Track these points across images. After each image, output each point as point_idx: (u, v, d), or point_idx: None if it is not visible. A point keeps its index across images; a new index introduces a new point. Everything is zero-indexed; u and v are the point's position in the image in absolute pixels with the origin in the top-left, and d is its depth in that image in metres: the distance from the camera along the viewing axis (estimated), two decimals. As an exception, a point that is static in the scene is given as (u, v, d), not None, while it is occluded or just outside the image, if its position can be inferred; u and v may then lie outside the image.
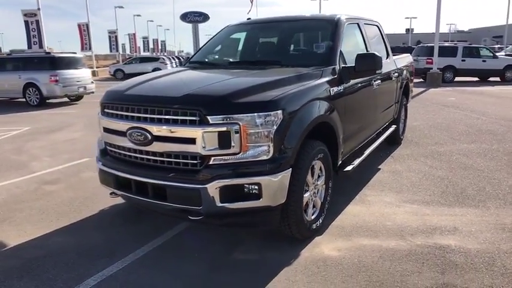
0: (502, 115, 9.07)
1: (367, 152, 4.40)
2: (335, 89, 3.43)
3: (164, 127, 2.73)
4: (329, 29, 3.93)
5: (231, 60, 4.07)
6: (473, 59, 18.39)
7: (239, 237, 3.31)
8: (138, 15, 61.91)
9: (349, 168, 3.81)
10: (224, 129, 2.59)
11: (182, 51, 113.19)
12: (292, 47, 4.27)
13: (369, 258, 2.94)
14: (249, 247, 3.17)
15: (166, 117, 2.72)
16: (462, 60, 18.20)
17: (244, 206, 2.71)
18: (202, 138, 2.61)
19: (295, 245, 3.15)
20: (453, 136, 7.02)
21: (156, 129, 2.75)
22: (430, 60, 18.18)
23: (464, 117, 8.95)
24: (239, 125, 2.59)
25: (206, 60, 4.34)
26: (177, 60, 36.97)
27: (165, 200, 2.80)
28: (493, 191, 4.26)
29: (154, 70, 26.21)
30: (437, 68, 17.28)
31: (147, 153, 2.87)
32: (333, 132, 3.33)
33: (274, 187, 2.67)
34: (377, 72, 3.86)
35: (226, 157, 2.66)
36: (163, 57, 30.69)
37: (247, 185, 2.67)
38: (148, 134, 2.77)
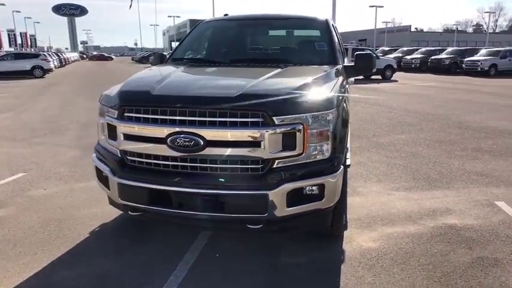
0: (406, 108, 10.49)
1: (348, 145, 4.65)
2: (346, 86, 3.55)
3: (221, 131, 2.47)
4: (324, 29, 4.03)
5: (231, 58, 3.83)
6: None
7: (269, 243, 3.19)
8: (2, 4, 52.26)
9: (348, 163, 3.97)
10: (289, 129, 2.47)
11: (51, 47, 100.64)
12: (294, 45, 4.23)
13: (404, 244, 3.14)
14: (290, 250, 3.08)
15: (222, 119, 2.46)
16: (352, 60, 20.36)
17: (308, 209, 2.63)
18: (267, 141, 2.44)
19: (331, 242, 3.18)
20: (382, 128, 7.88)
21: (212, 134, 2.47)
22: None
23: (378, 111, 10.08)
24: (303, 124, 2.50)
25: (198, 57, 4.02)
26: (56, 57, 32.95)
27: (221, 211, 2.54)
28: (449, 174, 4.94)
29: (34, 68, 23.08)
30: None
31: (196, 160, 2.55)
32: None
33: (334, 187, 2.66)
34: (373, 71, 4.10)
35: (289, 159, 2.53)
36: (45, 53, 27.03)
37: (310, 187, 2.60)
38: (200, 139, 2.46)
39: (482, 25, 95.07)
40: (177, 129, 2.50)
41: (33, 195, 4.25)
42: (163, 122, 2.56)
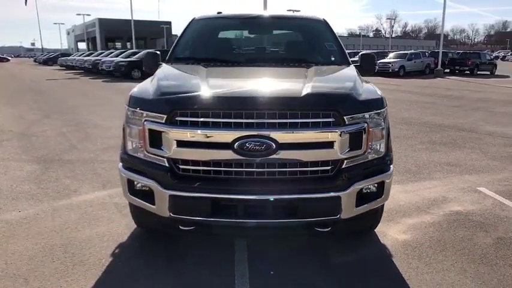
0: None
1: None
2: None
3: (294, 132, 2.36)
4: (327, 28, 4.10)
5: (246, 57, 3.66)
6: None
7: (307, 245, 3.15)
8: None
9: None
10: (357, 129, 2.47)
11: None
12: (306, 45, 4.18)
13: (431, 233, 3.35)
14: (334, 251, 3.08)
15: (294, 120, 2.37)
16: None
17: (371, 207, 2.67)
18: (338, 141, 2.41)
19: (367, 238, 3.26)
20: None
21: (284, 136, 2.35)
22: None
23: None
24: (367, 123, 2.52)
25: (208, 57, 3.76)
26: None
27: (294, 217, 2.44)
28: (424, 166, 5.39)
29: None
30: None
31: (264, 165, 2.40)
32: None
33: (390, 183, 2.73)
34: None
35: (355, 159, 2.53)
36: None
37: (373, 185, 2.63)
38: (272, 143, 2.33)
39: (380, 30, 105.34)
40: (247, 133, 2.33)
41: (9, 220, 3.60)
42: (227, 126, 2.37)
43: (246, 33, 4.19)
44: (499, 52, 61.79)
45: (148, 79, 3.12)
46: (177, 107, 2.43)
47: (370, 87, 2.82)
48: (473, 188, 4.49)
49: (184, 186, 2.46)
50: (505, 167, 5.28)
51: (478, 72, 26.34)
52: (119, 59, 23.43)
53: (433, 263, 2.87)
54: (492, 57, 30.37)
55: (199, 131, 2.38)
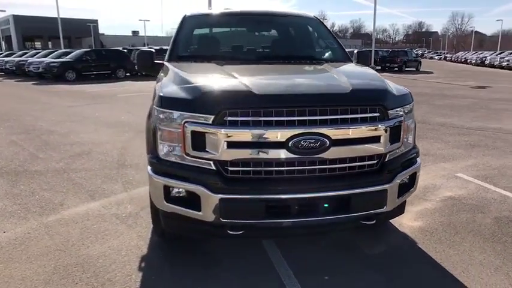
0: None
1: None
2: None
3: (346, 128, 2.37)
4: (324, 26, 4.17)
5: (257, 55, 3.56)
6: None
7: (332, 241, 3.20)
8: None
9: None
10: (397, 122, 2.56)
11: None
12: (311, 43, 4.16)
13: (439, 218, 3.58)
14: (361, 244, 3.15)
15: (344, 116, 2.38)
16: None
17: (406, 198, 2.77)
18: (384, 135, 2.48)
19: (385, 228, 3.39)
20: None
21: (336, 132, 2.35)
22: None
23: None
24: (403, 117, 2.63)
25: (216, 54, 3.61)
26: None
27: (345, 212, 2.46)
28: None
29: None
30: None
31: (316, 162, 2.38)
32: None
33: (419, 174, 2.87)
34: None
35: (394, 152, 2.62)
36: None
37: (407, 176, 2.74)
38: (326, 140, 2.32)
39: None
40: (301, 130, 2.30)
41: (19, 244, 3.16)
42: (280, 124, 2.31)
43: (245, 30, 4.10)
44: (417, 50, 67.69)
45: (166, 79, 2.93)
46: (226, 106, 2.31)
47: (394, 84, 2.93)
48: (452, 174, 4.88)
49: (236, 189, 2.35)
50: (469, 154, 5.81)
51: (406, 69, 28.61)
52: (48, 59, 21.51)
53: (455, 245, 3.08)
54: (417, 54, 33.15)
55: (252, 131, 2.29)
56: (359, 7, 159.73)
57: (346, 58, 3.84)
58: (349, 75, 2.85)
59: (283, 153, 2.32)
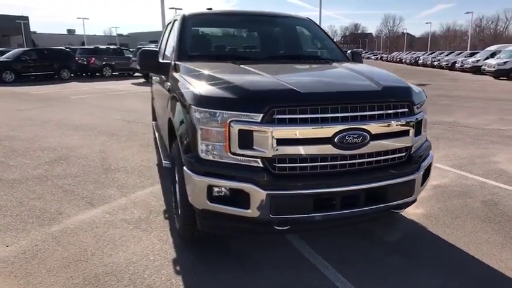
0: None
1: None
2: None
3: (384, 123, 2.54)
4: (317, 28, 4.33)
5: (267, 54, 3.58)
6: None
7: (350, 231, 3.36)
8: None
9: None
10: (420, 117, 2.78)
11: None
12: (312, 43, 4.26)
13: (436, 205, 3.90)
14: (379, 232, 3.34)
15: (382, 112, 2.54)
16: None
17: (424, 187, 3.00)
18: (412, 129, 2.68)
19: (391, 217, 3.62)
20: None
21: (376, 127, 2.50)
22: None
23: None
24: (422, 111, 2.85)
25: (228, 54, 3.60)
26: None
27: (381, 202, 2.62)
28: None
29: None
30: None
31: (356, 156, 2.51)
32: None
33: (432, 165, 3.12)
34: None
35: (416, 144, 2.83)
36: None
37: (426, 166, 2.97)
38: (367, 134, 2.46)
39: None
40: (345, 126, 2.42)
41: (3, 258, 2.90)
42: (325, 121, 2.41)
43: (246, 30, 4.14)
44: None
45: (191, 78, 2.89)
46: (274, 105, 2.36)
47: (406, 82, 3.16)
48: (431, 164, 5.29)
49: (285, 185, 2.41)
50: (437, 146, 6.32)
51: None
52: (-20, 59, 19.64)
53: (460, 228, 3.38)
54: (363, 53, 34.92)
55: (301, 128, 2.36)
56: (296, 8, 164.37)
57: (345, 58, 4.03)
58: (369, 74, 3.01)
59: (329, 149, 2.42)
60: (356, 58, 4.25)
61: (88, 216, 3.62)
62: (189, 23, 3.91)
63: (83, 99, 12.45)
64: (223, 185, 2.45)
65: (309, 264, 2.83)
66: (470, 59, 27.48)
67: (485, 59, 24.70)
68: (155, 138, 6.45)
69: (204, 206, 2.53)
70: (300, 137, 2.38)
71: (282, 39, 4.28)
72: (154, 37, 71.43)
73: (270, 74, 2.84)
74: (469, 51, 34.65)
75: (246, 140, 2.38)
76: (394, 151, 2.66)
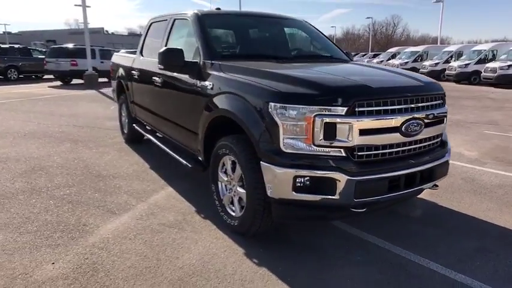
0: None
1: None
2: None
3: (433, 112, 2.95)
4: (316, 29, 4.66)
5: (280, 54, 3.80)
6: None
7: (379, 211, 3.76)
8: None
9: None
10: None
11: None
12: (319, 44, 4.46)
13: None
14: (403, 211, 3.78)
15: (430, 103, 2.96)
16: (101, 62, 19.28)
17: (447, 165, 3.53)
18: (445, 117, 3.16)
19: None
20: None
21: (429, 117, 2.91)
22: (75, 62, 18.18)
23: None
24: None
25: (256, 53, 3.68)
26: None
27: (430, 180, 3.04)
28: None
29: None
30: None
31: (413, 142, 2.89)
32: None
33: None
34: None
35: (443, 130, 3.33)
36: None
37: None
38: (422, 123, 2.86)
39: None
40: (409, 116, 2.78)
41: (59, 275, 2.65)
42: (394, 112, 2.74)
43: (257, 31, 4.28)
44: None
45: (255, 77, 2.99)
46: (356, 99, 2.61)
47: None
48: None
49: (366, 171, 2.67)
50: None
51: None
52: None
53: (462, 201, 4.01)
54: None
55: (377, 119, 2.66)
56: (200, 7, 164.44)
57: (347, 57, 4.44)
58: (399, 71, 3.44)
59: (397, 136, 2.76)
60: (351, 57, 4.69)
61: (118, 225, 3.43)
62: (206, 22, 3.91)
63: (2, 104, 11.03)
64: (311, 175, 2.61)
65: (366, 242, 3.13)
66: (375, 60, 30.80)
67: (388, 60, 27.84)
68: (128, 142, 6.18)
69: (288, 196, 2.66)
70: (376, 127, 2.67)
71: (294, 40, 4.52)
72: (49, 36, 65.52)
73: (333, 73, 3.10)
74: (371, 53, 38.55)
75: (330, 132, 2.59)
76: (434, 137, 3.10)
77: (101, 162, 5.31)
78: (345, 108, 2.57)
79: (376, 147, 2.72)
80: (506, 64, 18.31)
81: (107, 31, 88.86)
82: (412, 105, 2.82)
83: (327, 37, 4.65)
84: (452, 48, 24.92)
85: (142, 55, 5.32)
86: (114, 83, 6.90)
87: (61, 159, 5.45)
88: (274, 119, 2.65)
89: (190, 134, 3.78)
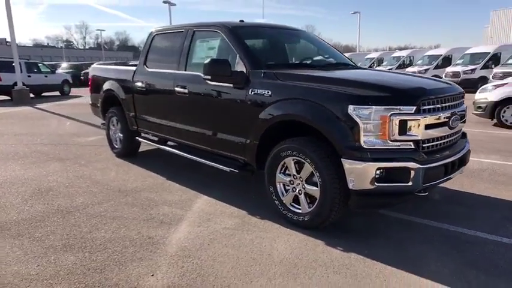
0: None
1: None
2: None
3: (462, 110, 3.56)
4: (318, 38, 5.14)
5: (323, 63, 4.10)
6: (37, 74, 18.57)
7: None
8: None
9: None
10: (463, 105, 3.96)
11: None
12: (330, 52, 4.85)
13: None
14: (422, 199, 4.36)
15: (460, 101, 3.58)
16: (28, 76, 17.72)
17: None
18: (465, 113, 3.82)
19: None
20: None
21: (462, 112, 3.51)
22: (-1, 76, 16.51)
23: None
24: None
25: (292, 62, 4.01)
26: None
27: (463, 165, 3.63)
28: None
29: None
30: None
31: (453, 134, 3.46)
32: None
33: None
34: None
35: (462, 123, 4.00)
36: None
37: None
38: (459, 117, 3.45)
39: (72, 42, 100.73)
40: (453, 111, 3.34)
41: (167, 284, 2.67)
42: (444, 109, 3.28)
43: (285, 42, 4.58)
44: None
45: (320, 83, 3.35)
46: (423, 98, 3.09)
47: None
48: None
49: (431, 159, 3.15)
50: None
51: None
52: None
53: (474, 186, 4.67)
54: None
55: (436, 115, 3.17)
56: (119, 20, 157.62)
57: (355, 64, 4.97)
58: (420, 75, 4.03)
59: (446, 129, 3.30)
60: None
61: (185, 233, 3.46)
62: (241, 34, 4.12)
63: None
64: (391, 166, 3.02)
65: (417, 223, 3.62)
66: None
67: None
68: (121, 156, 5.98)
69: (369, 187, 3.03)
70: (435, 122, 3.18)
71: (313, 50, 4.91)
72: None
73: (384, 78, 3.58)
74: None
75: (403, 128, 3.02)
76: (461, 129, 3.73)
77: (109, 178, 5.12)
78: (414, 107, 3.03)
79: (434, 139, 3.23)
80: (468, 68, 19.10)
81: (8, 42, 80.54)
82: (453, 103, 3.39)
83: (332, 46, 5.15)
84: (374, 55, 27.69)
85: (147, 67, 5.26)
86: (95, 97, 6.61)
87: (62, 178, 5.12)
88: (355, 119, 3.00)
89: (236, 140, 3.93)
